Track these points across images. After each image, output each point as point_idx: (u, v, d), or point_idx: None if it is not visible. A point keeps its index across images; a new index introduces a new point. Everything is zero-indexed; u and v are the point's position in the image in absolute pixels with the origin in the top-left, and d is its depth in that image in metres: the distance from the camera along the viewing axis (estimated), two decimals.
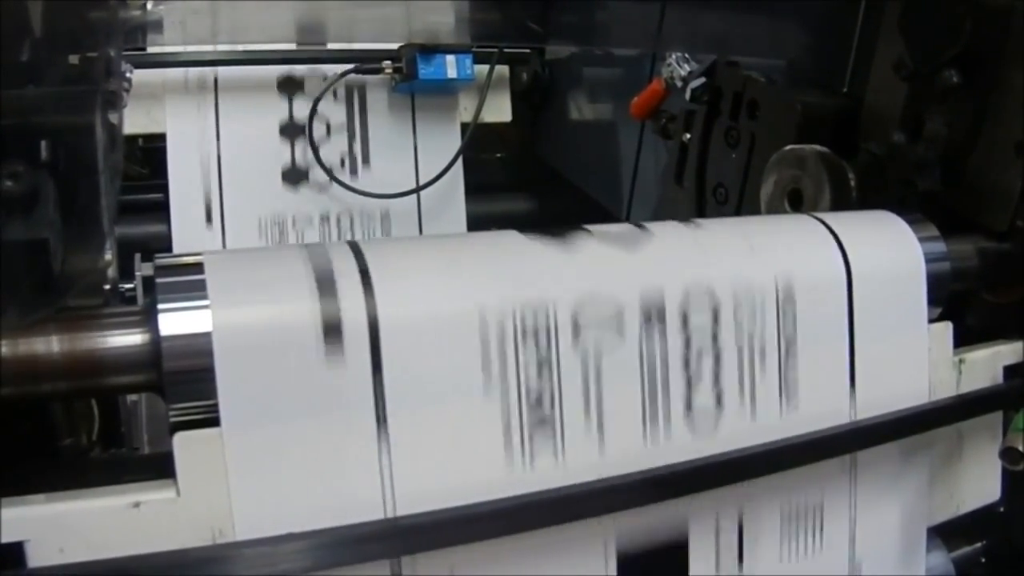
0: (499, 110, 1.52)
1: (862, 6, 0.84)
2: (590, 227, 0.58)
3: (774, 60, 0.97)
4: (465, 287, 0.52)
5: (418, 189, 1.42)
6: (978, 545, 0.77)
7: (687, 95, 0.96)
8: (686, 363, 0.57)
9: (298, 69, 1.38)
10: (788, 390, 0.61)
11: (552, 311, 0.53)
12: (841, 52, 0.86)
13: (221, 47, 1.33)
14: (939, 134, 0.74)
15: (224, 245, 1.32)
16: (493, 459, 0.52)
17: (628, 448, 0.55)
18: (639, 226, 0.60)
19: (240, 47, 1.34)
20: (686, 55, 1.00)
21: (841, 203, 0.78)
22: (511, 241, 0.56)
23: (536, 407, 0.53)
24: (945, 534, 0.73)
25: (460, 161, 1.44)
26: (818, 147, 0.80)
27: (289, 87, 1.38)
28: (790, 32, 0.98)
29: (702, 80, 0.95)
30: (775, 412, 0.60)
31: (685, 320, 0.57)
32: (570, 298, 0.54)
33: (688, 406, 0.57)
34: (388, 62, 1.37)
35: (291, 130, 1.37)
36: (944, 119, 0.74)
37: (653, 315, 0.56)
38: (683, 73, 1.00)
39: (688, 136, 0.98)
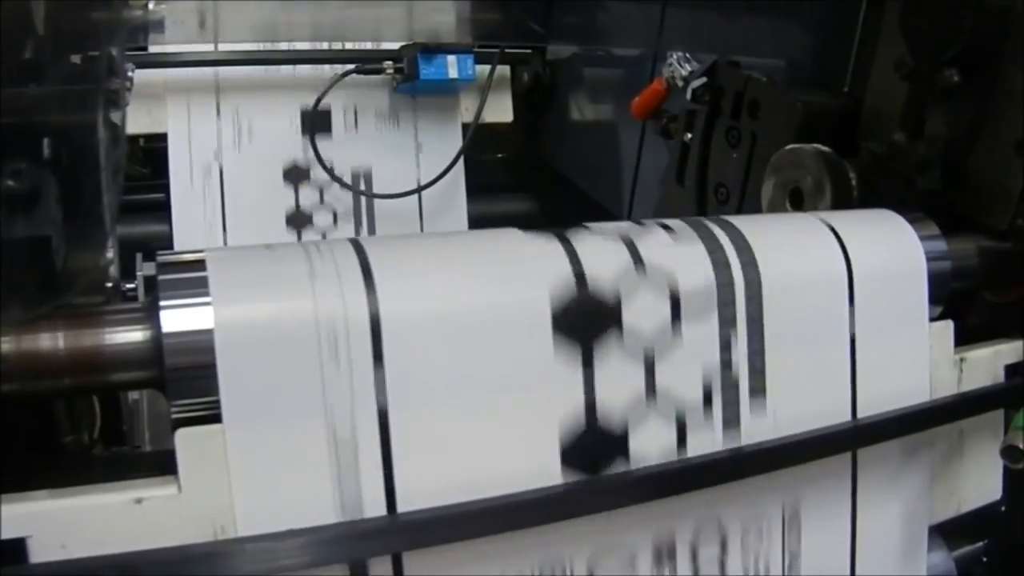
0: (500, 110, 1.52)
1: (863, 6, 0.84)
2: (589, 225, 0.58)
3: (775, 60, 0.97)
4: (467, 284, 0.52)
5: (419, 189, 1.42)
6: (979, 544, 0.77)
7: (688, 95, 0.96)
8: (694, 553, 0.58)
9: (301, 68, 1.38)
10: (789, 388, 0.61)
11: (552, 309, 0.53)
12: (842, 52, 0.86)
13: (223, 47, 1.34)
14: (940, 133, 0.74)
15: (226, 244, 1.33)
16: (495, 456, 0.52)
17: None
18: (639, 224, 0.60)
19: (241, 46, 1.35)
20: (687, 55, 1.00)
21: (842, 202, 0.78)
22: (512, 238, 0.56)
23: None
24: (946, 533, 0.73)
25: (461, 161, 1.44)
26: (819, 146, 0.80)
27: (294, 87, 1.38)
28: (791, 32, 0.98)
29: (703, 80, 0.95)
30: (775, 410, 0.60)
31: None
32: (569, 294, 0.54)
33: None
34: (389, 62, 1.37)
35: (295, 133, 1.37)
36: (945, 118, 0.74)
37: (651, 316, 0.56)
38: (684, 73, 1.00)
39: (689, 136, 0.98)
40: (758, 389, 0.60)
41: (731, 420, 0.59)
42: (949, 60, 0.71)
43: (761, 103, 0.90)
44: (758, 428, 0.59)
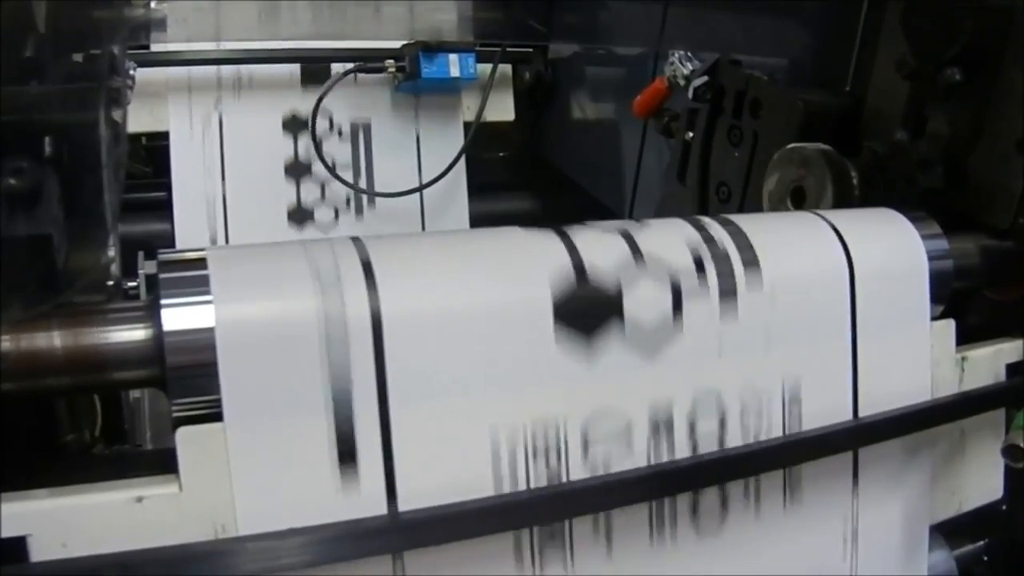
0: (502, 109, 1.52)
1: (864, 5, 0.84)
2: (590, 223, 0.58)
3: (777, 59, 0.97)
4: (468, 282, 0.52)
5: (421, 188, 1.42)
6: (980, 543, 0.77)
7: (690, 94, 0.96)
8: (691, 427, 0.57)
9: (304, 67, 1.38)
10: (790, 386, 0.61)
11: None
12: (843, 51, 0.86)
13: (224, 45, 1.34)
14: (941, 132, 0.74)
15: (228, 242, 1.33)
16: (496, 455, 0.52)
17: None
18: (639, 222, 0.60)
19: (243, 45, 1.35)
20: (689, 54, 1.00)
21: (844, 201, 0.78)
22: (513, 236, 0.56)
23: (544, 464, 0.53)
24: (947, 532, 0.73)
25: (463, 160, 1.44)
26: (821, 145, 0.80)
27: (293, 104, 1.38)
28: (793, 31, 0.98)
29: (705, 79, 0.95)
30: (777, 407, 0.60)
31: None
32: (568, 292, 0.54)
33: None
34: (391, 61, 1.37)
35: (295, 126, 1.37)
36: (946, 117, 0.74)
37: (651, 315, 0.56)
38: (686, 72, 1.00)
39: (691, 135, 0.98)
40: (757, 386, 0.60)
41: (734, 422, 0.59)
42: (950, 59, 0.71)
43: (763, 102, 0.90)
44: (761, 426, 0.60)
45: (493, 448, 0.52)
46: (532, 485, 0.53)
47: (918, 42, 0.74)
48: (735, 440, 0.59)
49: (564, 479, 0.54)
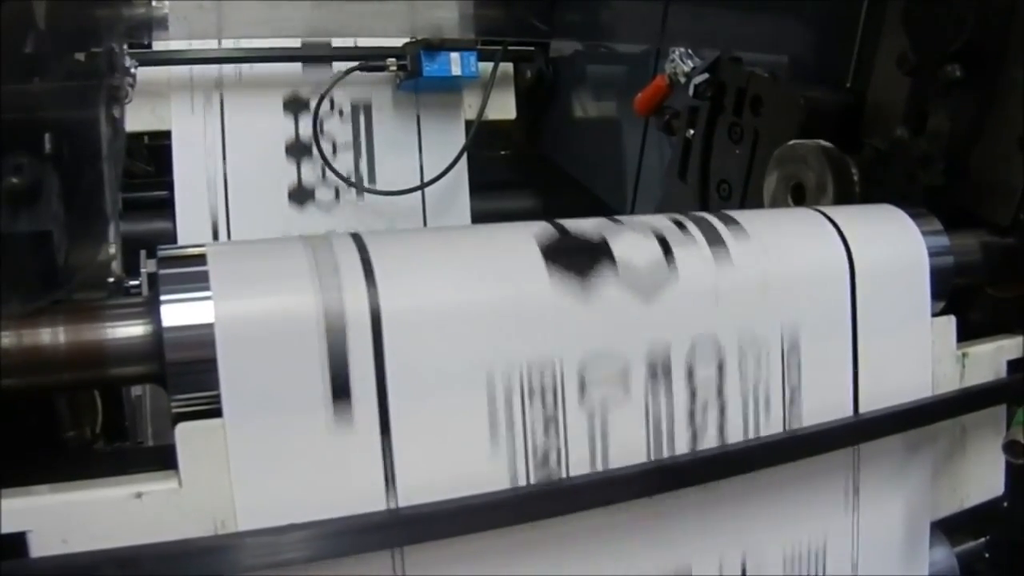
0: (503, 107, 1.52)
1: (865, 2, 0.84)
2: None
3: (778, 56, 0.97)
4: (467, 278, 0.52)
5: (423, 186, 1.42)
6: (981, 540, 0.77)
7: (691, 91, 0.96)
8: (690, 372, 0.57)
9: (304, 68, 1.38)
10: (791, 385, 0.61)
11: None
12: (844, 47, 0.86)
13: (226, 44, 1.34)
14: (942, 129, 0.74)
15: (228, 222, 1.33)
16: (495, 452, 0.52)
17: None
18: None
19: (244, 44, 1.35)
20: (690, 51, 1.00)
21: (844, 198, 0.78)
22: (512, 232, 0.56)
23: (540, 404, 0.53)
24: (948, 529, 0.73)
25: (464, 158, 1.44)
26: (821, 142, 0.80)
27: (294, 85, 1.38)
28: (793, 28, 0.98)
29: (706, 76, 0.95)
30: (776, 356, 0.60)
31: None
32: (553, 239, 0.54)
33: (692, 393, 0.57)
34: (392, 59, 1.37)
35: (295, 107, 1.37)
36: (947, 114, 0.73)
37: (642, 259, 0.56)
38: (687, 69, 1.00)
39: (692, 132, 0.98)
40: (759, 386, 0.60)
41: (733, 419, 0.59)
42: (951, 55, 0.71)
43: (764, 99, 0.90)
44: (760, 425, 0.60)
45: (489, 391, 0.52)
46: (528, 426, 0.52)
47: (919, 38, 0.74)
48: (733, 387, 0.58)
49: (560, 422, 0.53)
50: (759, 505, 0.61)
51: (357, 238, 0.52)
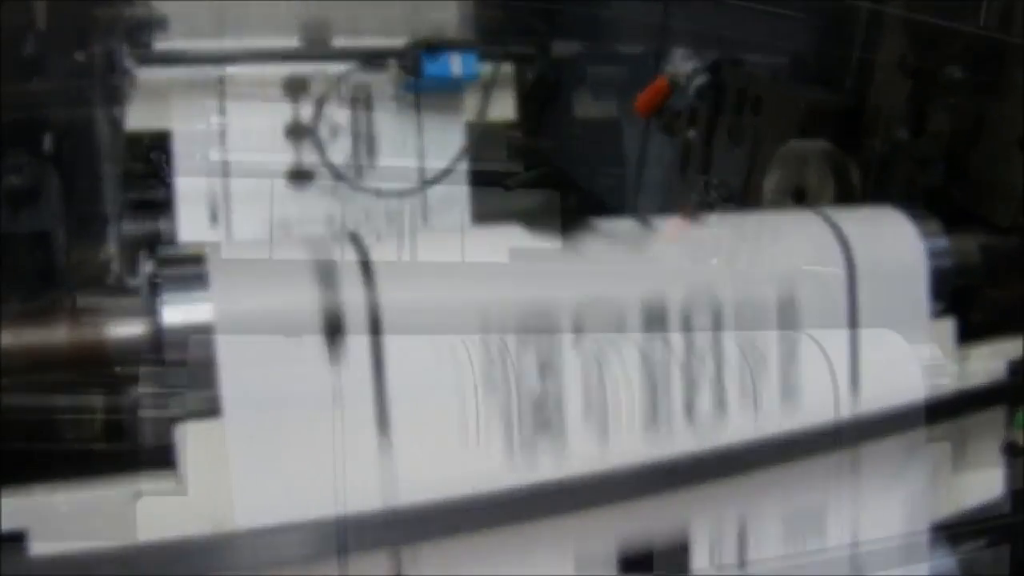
0: (504, 108, 1.52)
1: (865, 2, 0.84)
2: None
3: (778, 57, 0.97)
4: (467, 279, 0.52)
5: (423, 187, 1.42)
6: (981, 542, 0.77)
7: (691, 92, 0.96)
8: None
9: (303, 68, 1.38)
10: (790, 386, 0.61)
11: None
12: (844, 48, 0.86)
13: (226, 43, 1.33)
14: (942, 130, 0.74)
15: (227, 205, 1.32)
16: (495, 452, 0.52)
17: None
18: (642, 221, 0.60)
19: (245, 43, 1.34)
20: (690, 52, 1.00)
21: (844, 199, 0.78)
22: (512, 234, 0.56)
23: (539, 410, 0.53)
24: (948, 530, 0.73)
25: (464, 159, 1.44)
26: (821, 143, 0.80)
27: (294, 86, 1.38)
28: (793, 29, 0.98)
29: (706, 77, 0.95)
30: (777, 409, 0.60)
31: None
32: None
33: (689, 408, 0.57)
34: (392, 60, 1.37)
35: (294, 87, 1.37)
36: (947, 115, 0.73)
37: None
38: (687, 70, 1.00)
39: (692, 133, 0.98)
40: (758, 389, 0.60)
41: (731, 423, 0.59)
42: (952, 57, 0.71)
43: (764, 100, 0.90)
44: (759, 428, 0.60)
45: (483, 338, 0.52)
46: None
47: (919, 39, 0.74)
48: (733, 388, 0.58)
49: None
50: (756, 505, 0.61)
51: (356, 238, 0.52)
